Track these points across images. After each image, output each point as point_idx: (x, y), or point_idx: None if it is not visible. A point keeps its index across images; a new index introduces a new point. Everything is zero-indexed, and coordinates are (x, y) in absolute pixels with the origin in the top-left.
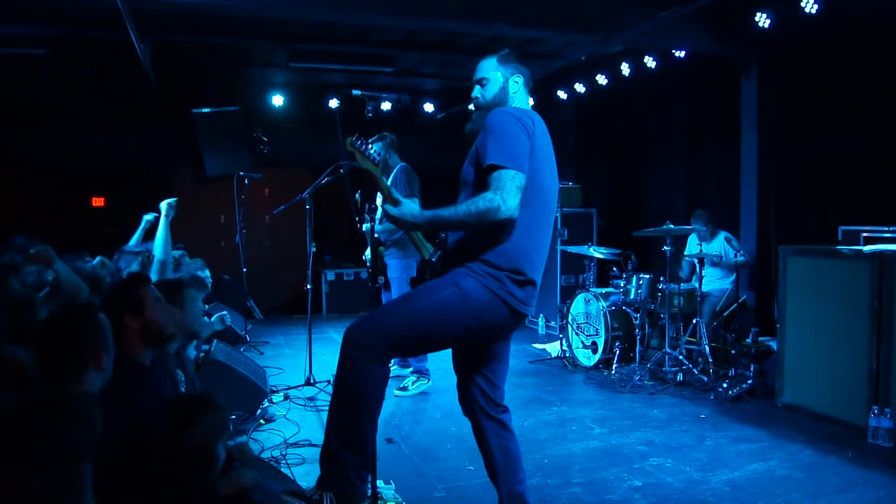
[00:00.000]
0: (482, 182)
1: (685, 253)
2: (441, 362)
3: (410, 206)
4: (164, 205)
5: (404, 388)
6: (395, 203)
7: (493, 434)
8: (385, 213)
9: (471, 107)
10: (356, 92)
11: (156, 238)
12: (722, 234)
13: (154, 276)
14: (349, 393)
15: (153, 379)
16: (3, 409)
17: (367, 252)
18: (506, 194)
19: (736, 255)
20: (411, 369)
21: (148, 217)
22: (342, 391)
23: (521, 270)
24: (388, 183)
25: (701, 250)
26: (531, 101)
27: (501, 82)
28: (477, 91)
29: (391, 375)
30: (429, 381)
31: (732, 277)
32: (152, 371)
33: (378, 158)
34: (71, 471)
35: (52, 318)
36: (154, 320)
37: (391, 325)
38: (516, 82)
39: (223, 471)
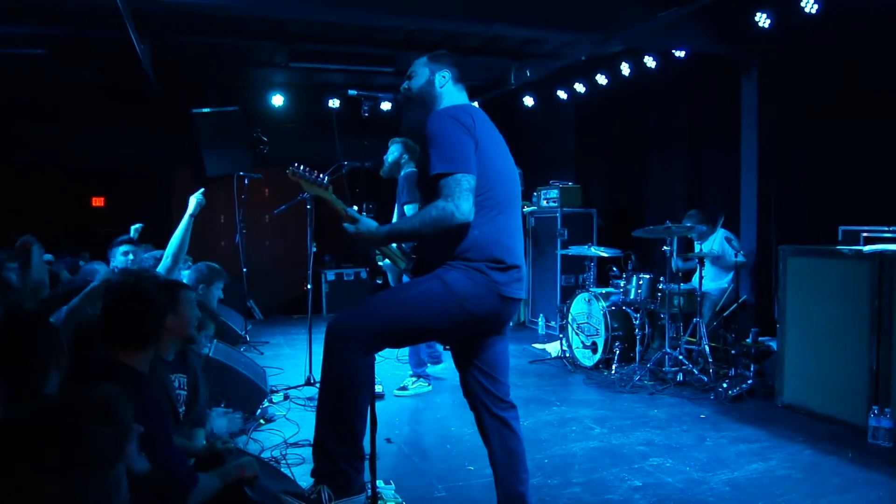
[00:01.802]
0: (433, 191)
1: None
2: (441, 362)
3: (367, 224)
4: (193, 199)
5: (404, 388)
6: (353, 222)
7: (494, 432)
8: (345, 232)
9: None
10: (352, 92)
11: (174, 236)
12: (721, 233)
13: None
14: (334, 385)
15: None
16: (24, 412)
17: None
18: (457, 200)
19: (736, 255)
20: (410, 372)
21: (136, 227)
22: (327, 383)
23: (499, 259)
24: (399, 189)
25: (701, 249)
26: (470, 99)
27: (427, 76)
28: (405, 83)
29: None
30: (429, 385)
31: (731, 276)
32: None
33: (324, 180)
34: (97, 476)
35: (11, 320)
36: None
37: (373, 316)
38: (444, 77)
39: (209, 465)
